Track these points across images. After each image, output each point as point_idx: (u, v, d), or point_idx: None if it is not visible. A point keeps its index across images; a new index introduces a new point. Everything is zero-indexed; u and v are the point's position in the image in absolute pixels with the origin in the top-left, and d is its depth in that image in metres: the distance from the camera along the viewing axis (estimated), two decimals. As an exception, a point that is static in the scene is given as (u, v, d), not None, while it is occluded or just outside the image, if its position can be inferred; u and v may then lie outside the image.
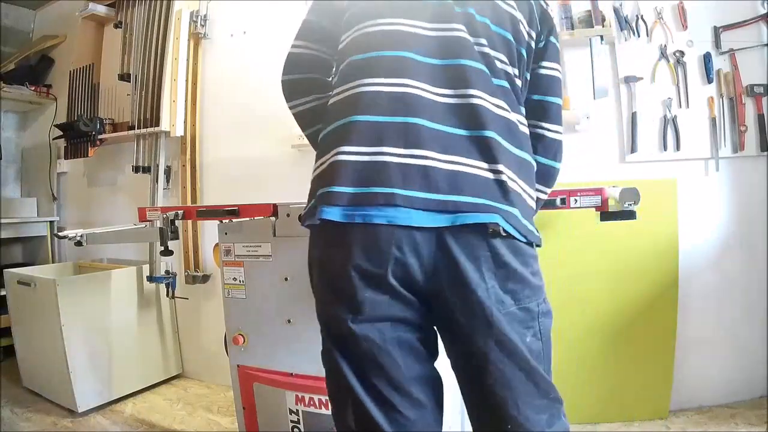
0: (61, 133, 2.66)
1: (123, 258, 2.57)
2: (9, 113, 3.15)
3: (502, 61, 0.82)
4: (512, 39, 0.84)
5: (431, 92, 0.76)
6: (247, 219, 1.38)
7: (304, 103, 0.96)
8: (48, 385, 2.13)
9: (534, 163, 0.84)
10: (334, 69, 0.91)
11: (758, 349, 1.82)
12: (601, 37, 1.82)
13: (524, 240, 0.75)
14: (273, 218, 1.31)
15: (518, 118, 0.82)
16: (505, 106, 0.79)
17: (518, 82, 0.85)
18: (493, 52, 0.80)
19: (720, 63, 1.81)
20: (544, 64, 0.91)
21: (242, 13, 2.29)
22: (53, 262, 2.88)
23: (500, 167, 0.74)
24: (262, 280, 1.34)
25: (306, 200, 0.83)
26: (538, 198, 0.88)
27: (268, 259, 1.32)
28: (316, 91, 0.94)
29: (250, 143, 2.22)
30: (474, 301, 0.72)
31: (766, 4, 1.77)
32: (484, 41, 0.80)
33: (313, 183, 0.80)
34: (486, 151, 0.74)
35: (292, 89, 0.97)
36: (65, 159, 2.81)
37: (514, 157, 0.77)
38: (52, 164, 3.00)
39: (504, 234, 0.72)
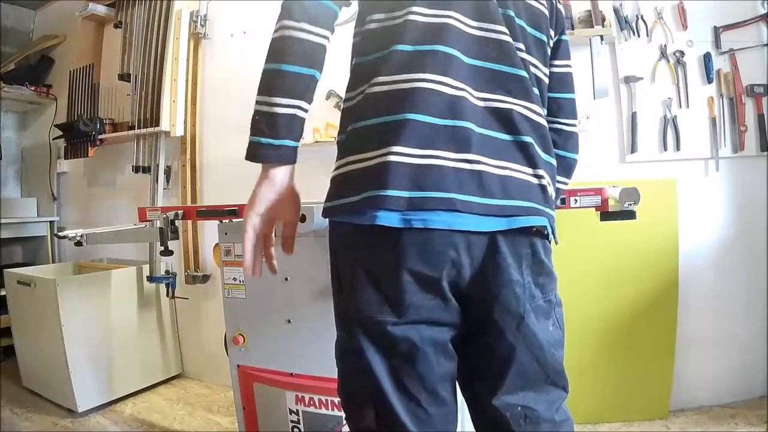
0: (61, 133, 2.67)
1: (123, 258, 2.57)
2: (9, 113, 3.15)
3: (535, 66, 0.81)
4: (545, 40, 0.84)
5: (473, 95, 0.74)
6: (247, 219, 1.38)
7: (314, 34, 0.77)
8: (48, 385, 2.13)
9: (555, 165, 0.85)
10: (359, 40, 0.82)
11: (758, 349, 1.82)
12: (601, 37, 1.82)
13: (552, 238, 0.80)
14: (273, 218, 1.31)
15: (545, 122, 0.82)
16: (540, 111, 0.80)
17: (546, 82, 0.85)
18: (528, 57, 0.80)
19: (720, 63, 1.81)
20: (557, 62, 0.91)
21: (242, 13, 2.29)
22: (53, 262, 2.89)
23: (541, 172, 0.77)
24: (262, 280, 1.33)
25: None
26: (558, 190, 0.91)
27: (268, 259, 1.32)
28: (327, 26, 0.79)
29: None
30: (511, 298, 0.74)
31: (766, 4, 1.77)
32: (522, 46, 0.79)
33: (355, 175, 0.73)
34: (528, 157, 0.76)
35: (302, 10, 0.76)
36: (65, 159, 2.82)
37: (545, 161, 0.79)
38: (52, 164, 3.00)
39: (545, 234, 0.77)
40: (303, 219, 1.22)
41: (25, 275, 2.15)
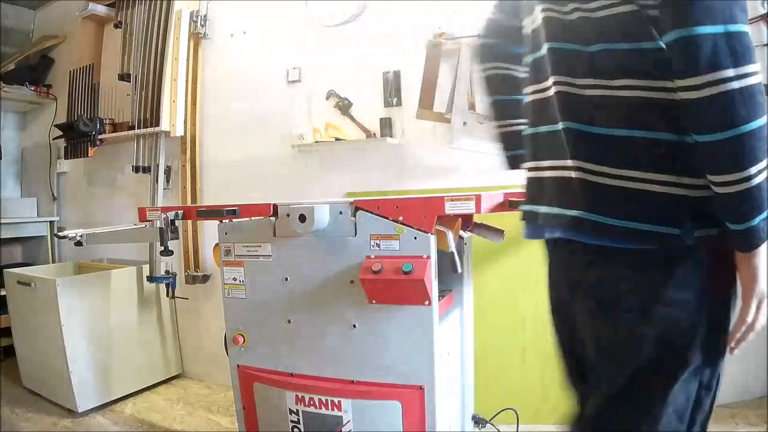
0: (61, 133, 2.67)
1: (123, 258, 2.57)
2: (9, 113, 3.15)
3: (593, 10, 0.62)
4: None
5: (531, 92, 0.76)
6: (247, 219, 1.38)
7: (492, 68, 0.98)
8: (48, 385, 2.13)
9: (649, 136, 0.60)
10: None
11: (758, 349, 1.82)
12: (601, 37, 1.81)
13: (632, 246, 0.58)
14: (273, 218, 1.31)
15: (626, 83, 0.61)
16: (598, 80, 0.62)
17: (640, 12, 0.61)
18: (579, 10, 0.63)
19: (720, 63, 1.80)
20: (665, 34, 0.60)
21: (242, 13, 2.29)
22: (53, 262, 2.89)
23: (578, 163, 0.61)
24: (262, 280, 1.34)
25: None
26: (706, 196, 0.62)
27: (268, 259, 1.32)
28: (501, 59, 0.96)
29: (250, 143, 2.22)
30: (571, 312, 0.76)
31: (766, 4, 1.77)
32: (566, 5, 0.65)
33: None
34: (562, 147, 0.64)
35: (482, 52, 1.00)
36: (65, 159, 2.82)
37: (607, 140, 0.61)
38: (52, 164, 3.00)
39: (585, 249, 0.62)
40: (303, 219, 1.22)
41: (25, 275, 2.15)
